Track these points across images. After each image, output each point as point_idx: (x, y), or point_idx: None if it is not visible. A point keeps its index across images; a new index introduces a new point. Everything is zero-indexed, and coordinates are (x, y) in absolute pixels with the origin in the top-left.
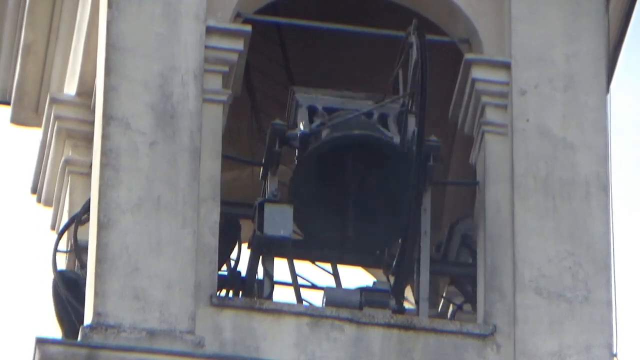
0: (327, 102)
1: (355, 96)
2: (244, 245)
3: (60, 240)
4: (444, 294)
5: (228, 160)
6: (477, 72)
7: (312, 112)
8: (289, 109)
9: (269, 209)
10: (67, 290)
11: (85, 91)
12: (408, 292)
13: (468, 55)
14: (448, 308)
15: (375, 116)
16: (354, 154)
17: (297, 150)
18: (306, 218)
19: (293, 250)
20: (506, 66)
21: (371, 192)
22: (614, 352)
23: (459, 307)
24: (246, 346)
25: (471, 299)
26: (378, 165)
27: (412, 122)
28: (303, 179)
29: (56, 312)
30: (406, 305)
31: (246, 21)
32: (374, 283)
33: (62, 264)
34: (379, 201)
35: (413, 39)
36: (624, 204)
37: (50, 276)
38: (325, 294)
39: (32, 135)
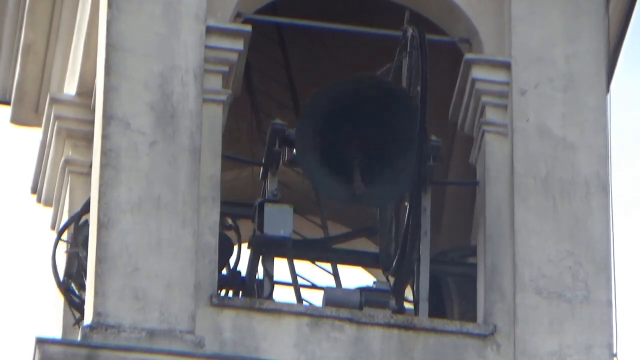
0: None
1: None
2: (244, 245)
3: (60, 240)
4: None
5: (228, 160)
6: (477, 72)
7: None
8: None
9: (269, 209)
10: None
11: (85, 91)
12: (408, 292)
13: (468, 55)
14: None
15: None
16: (359, 105)
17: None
18: (313, 172)
19: (293, 250)
20: (506, 66)
21: (377, 145)
22: (614, 352)
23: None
24: (246, 346)
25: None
26: (383, 116)
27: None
28: (308, 133)
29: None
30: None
31: (246, 21)
32: (374, 283)
33: (62, 264)
34: (385, 153)
35: (410, 31)
36: (624, 204)
37: (51, 279)
38: (325, 294)
39: (32, 135)
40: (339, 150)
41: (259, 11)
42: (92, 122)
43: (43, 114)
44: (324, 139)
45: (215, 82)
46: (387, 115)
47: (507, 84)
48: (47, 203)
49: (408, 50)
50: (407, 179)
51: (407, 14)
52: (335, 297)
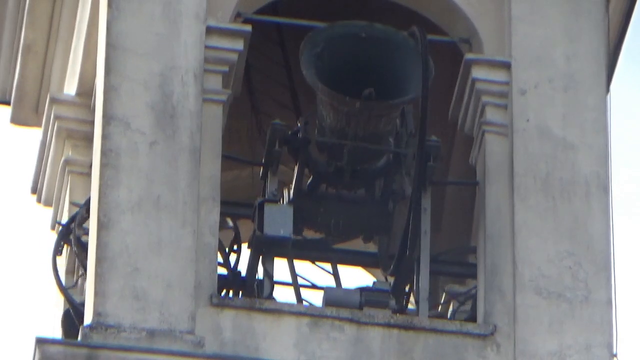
0: None
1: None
2: (244, 245)
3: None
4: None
5: (228, 160)
6: (477, 72)
7: None
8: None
9: (269, 209)
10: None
11: (85, 91)
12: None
13: (468, 55)
14: (448, 308)
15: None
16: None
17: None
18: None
19: (293, 250)
20: (506, 66)
21: (382, 77)
22: (614, 352)
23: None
24: (246, 346)
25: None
26: (385, 56)
27: (411, 120)
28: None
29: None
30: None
31: (246, 21)
32: (374, 283)
33: (62, 265)
34: (391, 81)
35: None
36: (624, 204)
37: (51, 279)
38: (325, 294)
39: (32, 135)
40: (345, 75)
41: (259, 11)
42: (92, 122)
43: (43, 114)
44: (330, 65)
45: (215, 82)
46: (387, 55)
47: (507, 84)
48: (47, 203)
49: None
50: (418, 86)
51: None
52: (335, 297)
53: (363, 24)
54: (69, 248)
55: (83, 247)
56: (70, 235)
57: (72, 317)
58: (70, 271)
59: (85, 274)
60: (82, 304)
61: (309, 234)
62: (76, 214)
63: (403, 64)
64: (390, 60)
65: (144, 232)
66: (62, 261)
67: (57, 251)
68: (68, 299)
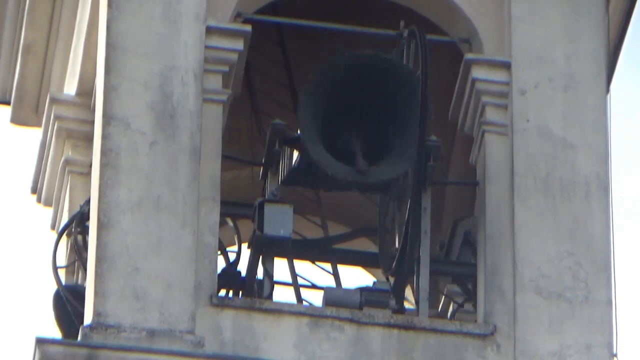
0: None
1: None
2: (244, 245)
3: (60, 240)
4: (445, 293)
5: (228, 160)
6: (477, 72)
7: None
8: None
9: (269, 209)
10: (73, 298)
11: (85, 91)
12: (408, 292)
13: (468, 55)
14: (448, 308)
15: None
16: (362, 80)
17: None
18: (316, 154)
19: (293, 250)
20: (506, 66)
21: (379, 122)
22: (614, 352)
23: (459, 306)
24: (246, 346)
25: (472, 297)
26: (386, 92)
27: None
28: (311, 107)
29: (57, 317)
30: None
31: (246, 21)
32: (374, 283)
33: (62, 264)
34: (388, 131)
35: (412, 44)
36: (624, 204)
37: (51, 279)
38: (325, 294)
39: (32, 135)
40: (340, 132)
41: (259, 11)
42: (92, 122)
43: (43, 114)
44: (324, 121)
45: (215, 82)
46: (388, 91)
47: (507, 84)
48: (47, 203)
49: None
50: (413, 153)
51: (413, 28)
52: (335, 297)
53: (368, 54)
54: (69, 248)
55: (83, 247)
56: (71, 235)
57: (71, 317)
58: (70, 271)
59: (85, 274)
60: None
61: (309, 234)
62: (76, 214)
63: (404, 100)
64: (391, 96)
65: (144, 232)
66: (62, 261)
67: (57, 251)
68: (68, 298)
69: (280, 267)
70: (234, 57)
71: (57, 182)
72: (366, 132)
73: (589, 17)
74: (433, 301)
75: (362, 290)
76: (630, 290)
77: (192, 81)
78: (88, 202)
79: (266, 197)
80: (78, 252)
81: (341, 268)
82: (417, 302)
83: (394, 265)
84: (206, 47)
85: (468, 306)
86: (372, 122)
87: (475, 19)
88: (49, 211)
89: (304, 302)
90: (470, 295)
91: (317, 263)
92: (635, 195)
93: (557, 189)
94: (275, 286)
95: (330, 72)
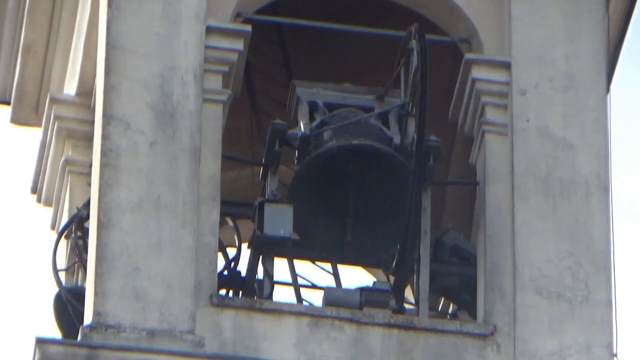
0: (328, 98)
1: (356, 90)
2: (244, 245)
3: (60, 240)
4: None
5: (228, 160)
6: (477, 72)
7: (312, 107)
8: (290, 103)
9: (269, 209)
10: (74, 300)
11: (85, 91)
12: (408, 292)
13: (468, 55)
14: (448, 308)
15: (376, 111)
16: (354, 160)
17: (297, 152)
18: (305, 222)
19: (293, 250)
20: (506, 66)
21: (370, 198)
22: (614, 352)
23: (453, 315)
24: (246, 346)
25: (467, 306)
26: (377, 171)
27: (412, 125)
28: (303, 184)
29: (57, 319)
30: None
31: (246, 21)
32: (374, 283)
33: (62, 264)
34: (377, 206)
35: (414, 43)
36: (624, 204)
37: (51, 279)
38: (325, 294)
39: (32, 135)
40: (332, 203)
41: (259, 11)
42: (92, 122)
43: (43, 114)
44: (317, 193)
45: (215, 82)
46: (380, 176)
47: (507, 84)
48: (47, 203)
49: (410, 62)
50: (399, 230)
51: (415, 26)
52: (335, 297)
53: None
54: (69, 249)
55: (83, 249)
56: (71, 235)
57: (71, 318)
58: (70, 271)
59: (86, 274)
60: (82, 302)
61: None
62: (76, 214)
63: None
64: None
65: (144, 232)
66: (62, 261)
67: (57, 252)
68: (68, 298)
69: (280, 267)
70: (234, 57)
71: (57, 182)
72: (357, 204)
73: (589, 17)
74: (433, 302)
75: (362, 290)
76: (630, 290)
77: (192, 81)
78: (86, 204)
79: (266, 197)
80: (78, 254)
81: (341, 268)
82: (417, 302)
83: (394, 265)
84: (206, 47)
85: (464, 316)
86: (364, 196)
87: (475, 19)
88: (49, 211)
89: (304, 302)
90: (464, 305)
91: (317, 263)
92: (635, 195)
93: (557, 189)
94: (275, 286)
95: (321, 157)
